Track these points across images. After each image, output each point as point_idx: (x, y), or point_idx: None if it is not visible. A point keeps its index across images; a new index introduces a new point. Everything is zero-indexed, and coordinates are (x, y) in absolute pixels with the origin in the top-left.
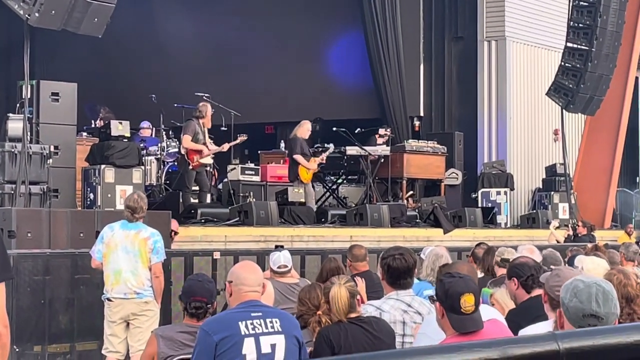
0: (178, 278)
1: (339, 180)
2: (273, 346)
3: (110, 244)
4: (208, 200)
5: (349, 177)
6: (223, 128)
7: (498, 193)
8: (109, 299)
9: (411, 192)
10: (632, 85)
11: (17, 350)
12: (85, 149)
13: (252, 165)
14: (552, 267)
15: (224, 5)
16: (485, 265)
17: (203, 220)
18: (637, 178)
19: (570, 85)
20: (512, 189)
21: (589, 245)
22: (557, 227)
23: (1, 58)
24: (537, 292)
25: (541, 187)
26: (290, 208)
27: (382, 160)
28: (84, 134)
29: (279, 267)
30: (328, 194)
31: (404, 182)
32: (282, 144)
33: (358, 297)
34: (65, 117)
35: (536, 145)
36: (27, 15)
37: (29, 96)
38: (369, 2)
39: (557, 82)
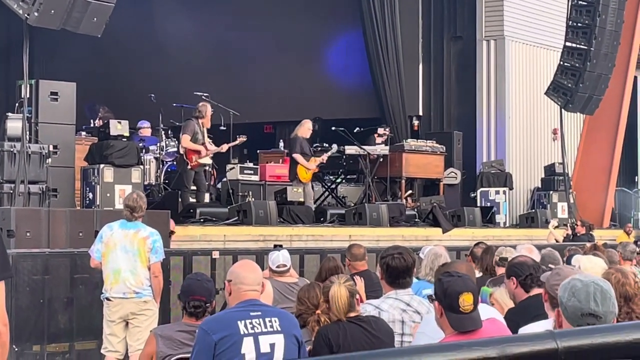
0: (177, 277)
1: (338, 180)
2: (272, 345)
3: (109, 243)
4: (206, 199)
5: (348, 176)
6: (222, 127)
7: (497, 192)
8: (108, 299)
9: (410, 192)
10: (630, 84)
11: (16, 349)
12: (84, 149)
13: (251, 165)
14: (550, 266)
15: (223, 5)
16: (484, 264)
17: (202, 220)
18: (636, 177)
19: (569, 85)
20: (511, 189)
21: (588, 244)
22: (556, 227)
23: (0, 57)
24: (536, 291)
25: (540, 186)
26: (289, 207)
27: (381, 160)
28: (83, 133)
29: (277, 267)
30: (327, 193)
31: (403, 181)
32: (281, 144)
33: (357, 296)
34: (64, 116)
35: (535, 144)
36: (26, 15)
37: (28, 96)
38: (367, 2)
39: (556, 82)
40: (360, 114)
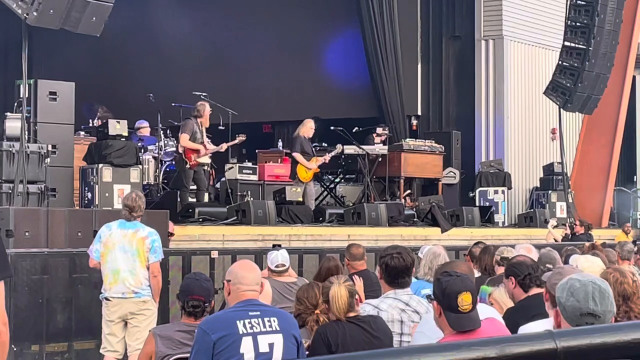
0: (176, 277)
1: (337, 180)
2: (271, 345)
3: (107, 243)
4: (205, 199)
5: (347, 176)
6: (221, 127)
7: (495, 192)
8: (106, 299)
9: (409, 191)
10: (629, 84)
11: (15, 349)
12: (83, 148)
13: (249, 164)
14: (547, 266)
15: (222, 5)
16: (483, 264)
17: (201, 219)
18: (635, 177)
19: (568, 84)
20: (509, 188)
21: (587, 244)
22: (555, 226)
23: None
24: (535, 291)
25: (539, 186)
26: (288, 207)
27: (380, 159)
28: (82, 133)
29: (276, 266)
30: (326, 193)
31: (402, 181)
32: (280, 143)
33: (357, 296)
34: (63, 116)
35: (534, 144)
36: (25, 15)
37: (26, 95)
38: (366, 2)
39: (555, 81)
40: (359, 113)
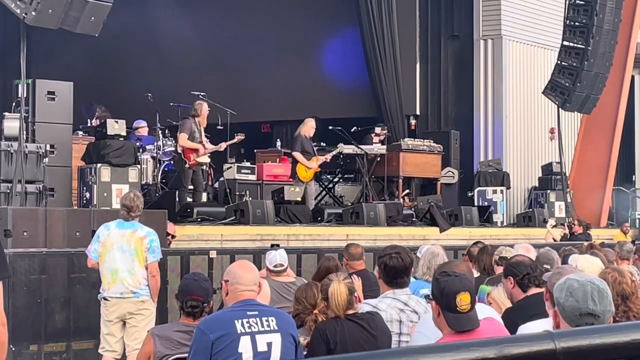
0: (174, 277)
1: (335, 179)
2: (269, 344)
3: (106, 243)
4: (204, 199)
5: (345, 175)
6: (219, 127)
7: (494, 192)
8: (105, 298)
9: (407, 191)
10: (628, 83)
11: (13, 349)
12: (82, 148)
13: (248, 164)
14: (545, 266)
15: (221, 4)
16: (481, 264)
17: (199, 219)
18: (633, 176)
19: (567, 84)
20: (508, 188)
21: (585, 244)
22: (554, 226)
23: None
24: (534, 290)
25: (537, 185)
26: (287, 207)
27: (379, 159)
28: (80, 132)
29: (275, 266)
30: (324, 192)
31: (400, 180)
32: (278, 143)
33: (355, 294)
34: (61, 116)
35: (532, 143)
36: (23, 15)
37: (25, 95)
38: (365, 1)
39: (554, 81)
40: (358, 113)
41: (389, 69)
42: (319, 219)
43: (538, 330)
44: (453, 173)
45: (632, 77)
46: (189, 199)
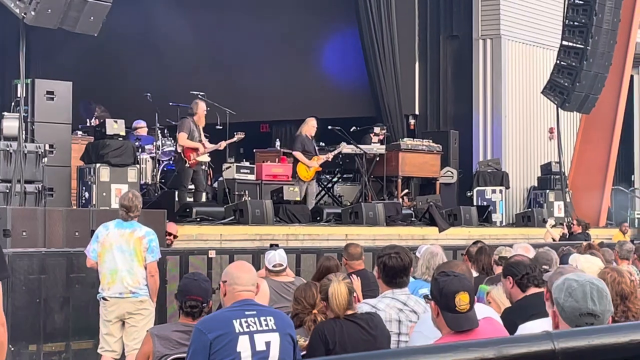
0: (173, 277)
1: (334, 179)
2: (268, 344)
3: (105, 243)
4: (203, 199)
5: (344, 175)
6: (218, 127)
7: (493, 191)
8: (104, 298)
9: (406, 191)
10: (627, 83)
11: (12, 349)
12: (81, 148)
13: (247, 164)
14: (544, 267)
15: (219, 4)
16: (479, 264)
17: (198, 219)
18: (632, 176)
19: (566, 84)
20: (507, 188)
21: (584, 243)
22: (553, 225)
23: None
24: (532, 290)
25: (536, 185)
26: (286, 207)
27: (378, 159)
28: (79, 132)
29: (274, 266)
30: (323, 192)
31: (399, 180)
32: (277, 143)
33: (355, 294)
34: (60, 115)
35: (531, 143)
36: (23, 14)
37: (24, 95)
38: (364, 1)
39: (553, 81)
40: (357, 112)
41: (388, 69)
42: (318, 218)
43: (537, 330)
44: (452, 173)
45: (631, 76)
46: (189, 199)
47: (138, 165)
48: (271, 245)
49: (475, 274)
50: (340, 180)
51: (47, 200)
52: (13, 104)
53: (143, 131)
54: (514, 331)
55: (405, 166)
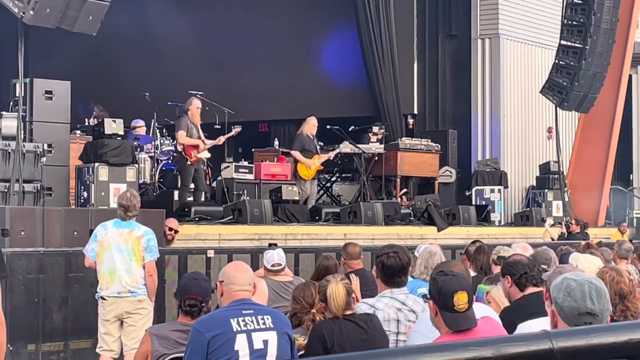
0: (172, 276)
1: (333, 178)
2: (265, 342)
3: (103, 242)
4: (202, 198)
5: (343, 175)
6: (217, 126)
7: (492, 191)
8: (102, 298)
9: (405, 190)
10: (625, 83)
11: (10, 348)
12: (79, 147)
13: (245, 164)
14: (543, 266)
15: (218, 3)
16: (478, 264)
17: (197, 219)
18: (631, 176)
19: (564, 83)
20: (506, 187)
21: (582, 243)
22: (552, 225)
23: None
24: (531, 290)
25: (535, 184)
26: (284, 206)
27: (376, 158)
28: (78, 132)
29: (272, 266)
30: (322, 191)
31: (398, 180)
32: (276, 142)
33: (353, 295)
34: (58, 115)
35: (530, 143)
36: (21, 14)
37: (22, 94)
38: (362, 0)
39: (551, 80)
40: (355, 112)
41: (386, 68)
42: (317, 218)
43: (537, 329)
44: (451, 172)
45: (630, 76)
46: (189, 198)
47: (136, 165)
48: (270, 245)
49: (473, 273)
50: (338, 179)
51: (45, 199)
52: (11, 103)
53: (142, 131)
54: (513, 330)
55: (403, 165)
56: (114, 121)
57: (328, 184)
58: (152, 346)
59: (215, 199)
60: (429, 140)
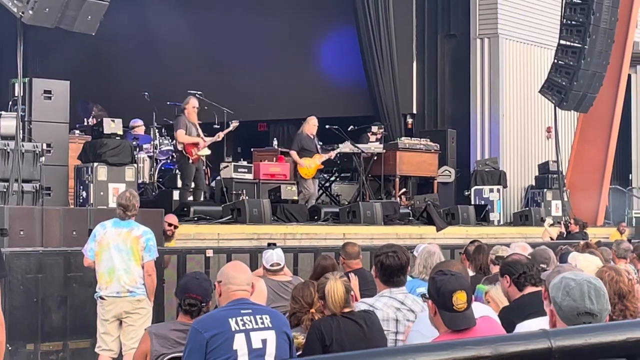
0: (171, 276)
1: (332, 178)
2: (264, 341)
3: (102, 242)
4: (201, 198)
5: (342, 174)
6: (216, 126)
7: (491, 190)
8: (101, 297)
9: (404, 190)
10: (624, 82)
11: (9, 348)
12: (78, 147)
13: (244, 163)
14: (542, 266)
15: (217, 3)
16: (477, 263)
17: (196, 218)
18: (630, 175)
19: (563, 83)
20: (505, 187)
21: (581, 242)
22: (551, 224)
23: None
24: (530, 289)
25: (534, 184)
26: (283, 206)
27: (375, 158)
28: (77, 131)
29: (271, 265)
30: (321, 191)
31: (397, 179)
32: (275, 142)
33: (352, 293)
34: (57, 115)
35: (529, 142)
36: (20, 13)
37: (21, 94)
38: (361, 0)
39: (550, 80)
40: (354, 112)
41: (385, 68)
42: (316, 217)
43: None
44: (450, 172)
45: (629, 75)
46: (190, 197)
47: (135, 165)
48: (269, 245)
49: (472, 273)
50: (338, 179)
51: (44, 199)
52: (10, 103)
53: (140, 130)
54: (512, 330)
55: (402, 165)
56: (113, 121)
57: (327, 184)
58: (151, 346)
59: (214, 199)
60: (428, 140)
